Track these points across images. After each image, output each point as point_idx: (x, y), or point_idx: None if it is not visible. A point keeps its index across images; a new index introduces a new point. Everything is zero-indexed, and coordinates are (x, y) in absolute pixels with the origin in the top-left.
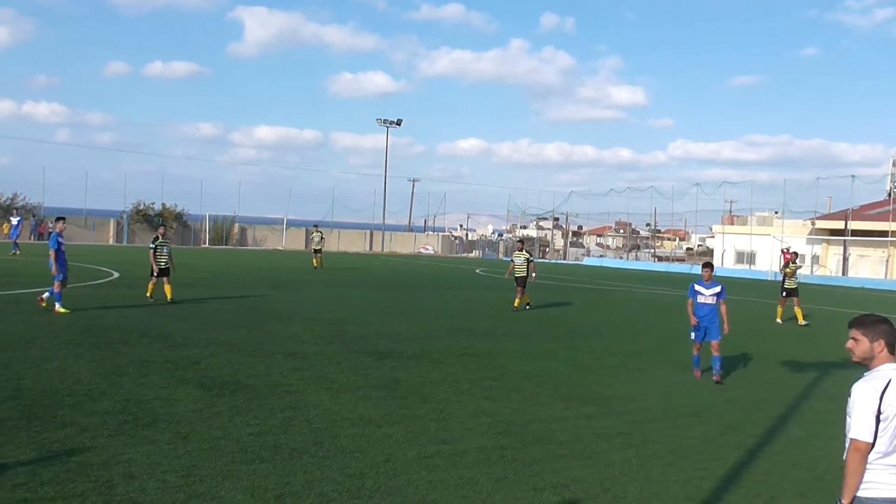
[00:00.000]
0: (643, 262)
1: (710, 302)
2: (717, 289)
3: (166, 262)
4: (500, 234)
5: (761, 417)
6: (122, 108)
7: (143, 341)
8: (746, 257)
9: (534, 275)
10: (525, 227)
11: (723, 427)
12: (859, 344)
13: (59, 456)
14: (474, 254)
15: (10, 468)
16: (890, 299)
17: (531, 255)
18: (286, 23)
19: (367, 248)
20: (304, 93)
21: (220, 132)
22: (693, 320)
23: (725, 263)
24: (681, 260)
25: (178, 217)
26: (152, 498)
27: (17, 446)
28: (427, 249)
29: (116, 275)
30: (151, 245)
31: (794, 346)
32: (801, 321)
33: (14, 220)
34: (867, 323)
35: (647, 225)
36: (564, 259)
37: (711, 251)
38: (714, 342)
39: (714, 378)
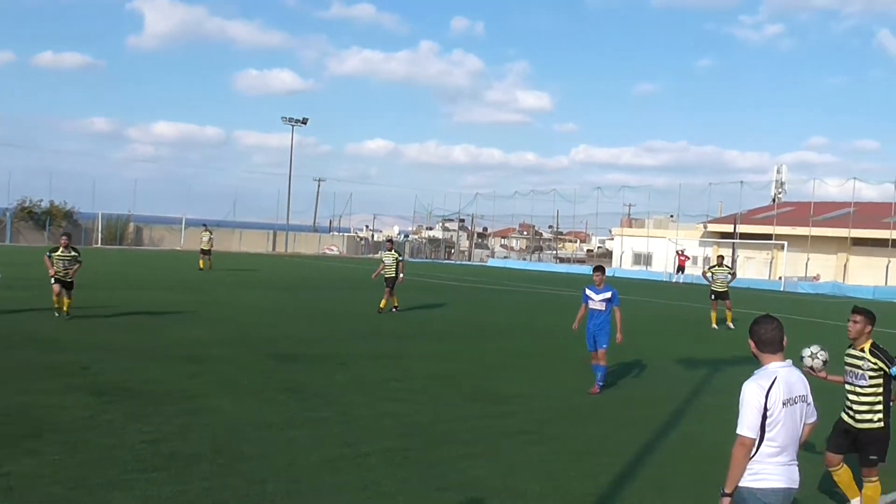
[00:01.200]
0: (545, 264)
1: (600, 308)
2: (608, 294)
3: (64, 275)
4: (407, 235)
5: (655, 413)
6: (6, 100)
7: (29, 346)
8: (643, 259)
9: (402, 275)
10: (431, 229)
11: (620, 424)
12: (751, 345)
13: None
14: (380, 255)
15: None
16: (773, 299)
17: (400, 256)
18: (189, 16)
19: (271, 249)
20: (208, 89)
21: (116, 127)
22: (575, 325)
23: (624, 265)
24: (581, 261)
25: (68, 215)
26: None
27: None
28: (332, 250)
29: None
30: (48, 254)
31: (687, 344)
32: (730, 323)
33: None
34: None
35: (550, 227)
36: (469, 260)
37: (611, 253)
38: (600, 350)
39: (591, 389)
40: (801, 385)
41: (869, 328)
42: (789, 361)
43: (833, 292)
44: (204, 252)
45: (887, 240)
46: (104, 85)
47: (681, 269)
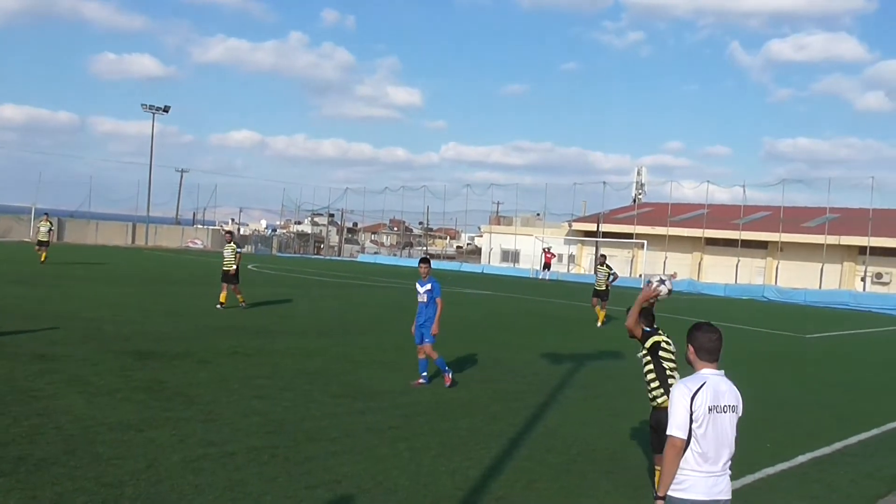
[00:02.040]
0: (416, 260)
1: (423, 300)
2: (429, 286)
3: None
4: (274, 230)
5: (522, 407)
6: None
7: None
8: (511, 256)
9: (234, 266)
10: (300, 223)
11: (488, 417)
12: (688, 350)
13: None
14: (246, 249)
15: None
16: (632, 295)
17: (239, 247)
18: None
19: (130, 242)
20: (60, 71)
21: None
22: (413, 327)
23: (492, 261)
24: (451, 258)
25: None
26: None
27: None
28: (196, 244)
29: None
30: None
31: (553, 339)
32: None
33: None
34: (689, 330)
35: (420, 223)
36: (339, 255)
37: (480, 250)
38: (427, 344)
39: (414, 382)
40: (731, 395)
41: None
42: (722, 371)
43: (689, 289)
44: (41, 243)
45: (737, 240)
46: None
47: (547, 266)
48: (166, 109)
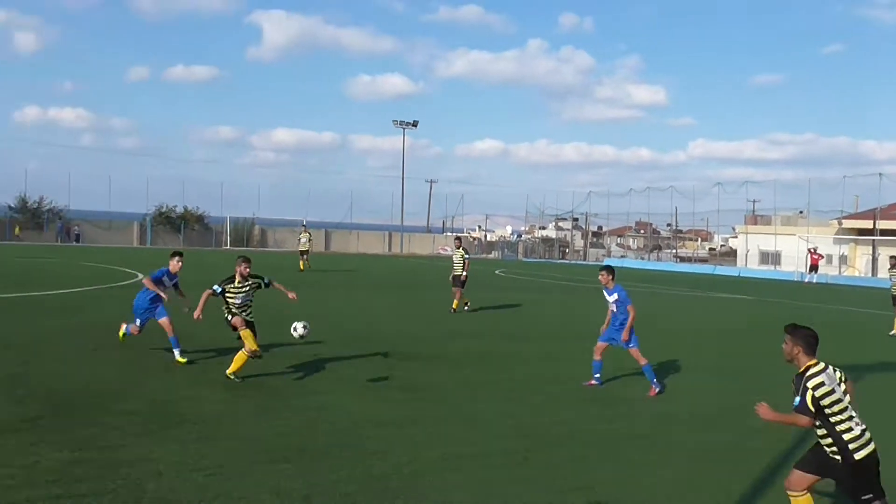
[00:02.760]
0: (665, 263)
1: (613, 310)
2: (615, 295)
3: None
4: (520, 235)
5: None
6: (143, 113)
7: (168, 343)
8: (771, 258)
9: (465, 273)
10: (544, 228)
11: (750, 431)
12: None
13: (89, 454)
14: (493, 255)
15: (43, 465)
16: None
17: (467, 253)
18: (304, 26)
19: (387, 250)
20: (323, 95)
21: (240, 135)
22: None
23: (749, 264)
24: (703, 260)
25: (199, 219)
26: (181, 496)
27: (50, 444)
28: (446, 251)
29: (140, 276)
30: (217, 288)
31: (831, 349)
32: None
33: None
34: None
35: (668, 225)
36: (584, 260)
37: (735, 251)
38: (631, 349)
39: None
40: None
41: (798, 349)
42: None
43: None
44: (302, 252)
45: None
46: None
47: (814, 268)
48: (415, 124)
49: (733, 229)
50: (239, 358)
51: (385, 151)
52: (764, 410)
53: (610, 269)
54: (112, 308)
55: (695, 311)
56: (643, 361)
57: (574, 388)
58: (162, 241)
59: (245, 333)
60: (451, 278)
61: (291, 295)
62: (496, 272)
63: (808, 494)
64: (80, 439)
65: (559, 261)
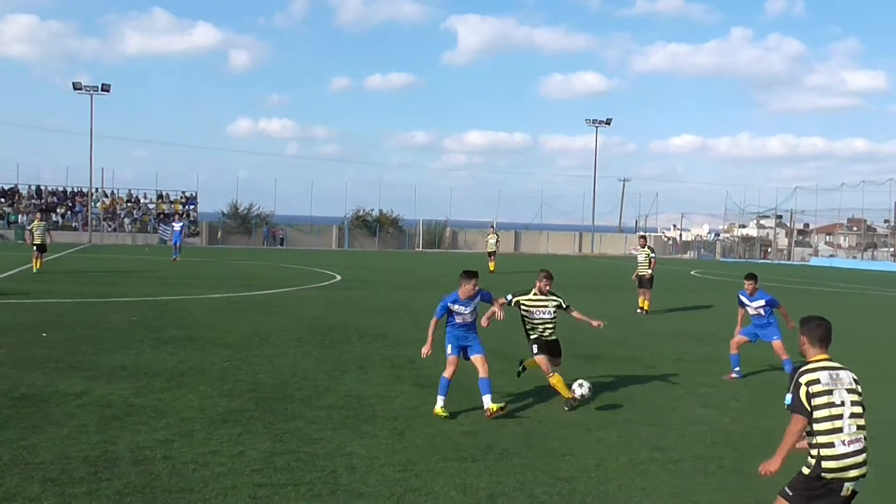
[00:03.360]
0: (881, 263)
1: (758, 314)
2: (762, 301)
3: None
4: (717, 234)
5: None
6: (344, 121)
7: (363, 340)
8: None
9: (650, 272)
10: (744, 226)
11: None
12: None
13: (289, 445)
14: (689, 255)
15: (248, 455)
16: None
17: (653, 252)
18: (498, 28)
19: (577, 251)
20: (514, 96)
21: (433, 139)
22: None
23: None
24: None
25: (394, 222)
26: (372, 489)
27: (254, 435)
28: (637, 251)
29: (338, 277)
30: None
31: None
32: None
33: (177, 226)
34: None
35: (886, 221)
36: (789, 259)
37: None
38: (774, 341)
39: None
40: None
41: (804, 339)
42: None
43: None
44: (490, 254)
45: None
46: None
47: None
48: (608, 122)
49: None
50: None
51: (577, 151)
52: (765, 466)
53: (754, 277)
54: (309, 307)
55: None
56: (785, 356)
57: (777, 395)
58: (359, 243)
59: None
60: (635, 278)
61: (596, 323)
62: (691, 273)
63: None
64: (282, 431)
65: (760, 261)
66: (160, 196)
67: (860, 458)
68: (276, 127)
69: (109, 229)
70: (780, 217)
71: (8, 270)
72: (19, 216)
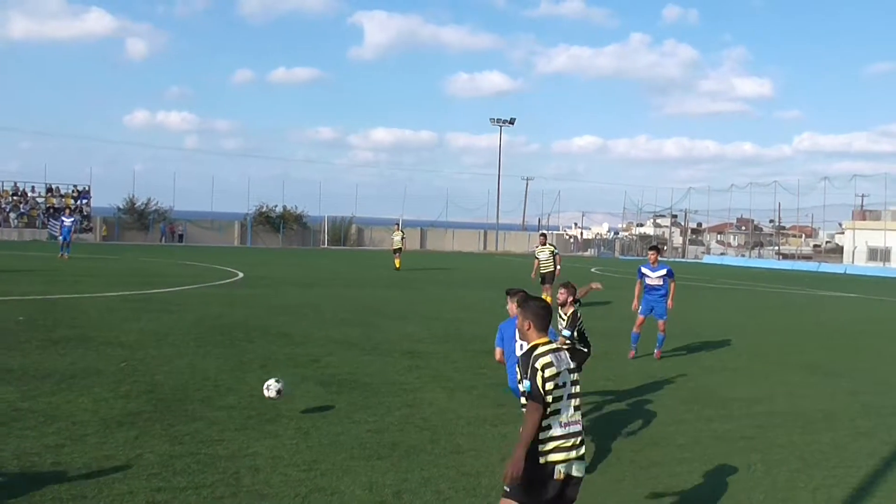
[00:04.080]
0: (767, 260)
1: (657, 283)
2: (663, 271)
3: None
4: (617, 233)
5: None
6: (247, 115)
7: (266, 339)
8: (880, 254)
9: (558, 268)
10: (642, 225)
11: (855, 433)
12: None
13: (189, 448)
14: (589, 252)
15: (146, 458)
16: None
17: (556, 249)
18: (404, 25)
19: (482, 248)
20: (421, 94)
21: (339, 135)
22: (634, 304)
23: (857, 261)
24: (808, 258)
25: (298, 218)
26: (276, 490)
27: (152, 438)
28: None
29: (241, 275)
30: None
31: None
32: None
33: (67, 221)
34: None
35: (771, 221)
36: (683, 257)
37: (841, 248)
38: (660, 321)
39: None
40: None
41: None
42: None
43: None
44: (396, 251)
45: None
46: (329, 96)
47: None
48: (512, 122)
49: (840, 225)
50: None
51: (482, 149)
52: (511, 470)
53: (656, 248)
54: (210, 306)
55: (798, 308)
56: (662, 333)
57: (674, 389)
58: (262, 240)
59: None
60: (535, 276)
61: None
62: (592, 270)
63: None
64: (181, 433)
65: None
66: (49, 189)
67: (577, 441)
68: (176, 119)
69: None
70: (675, 216)
71: None
72: None
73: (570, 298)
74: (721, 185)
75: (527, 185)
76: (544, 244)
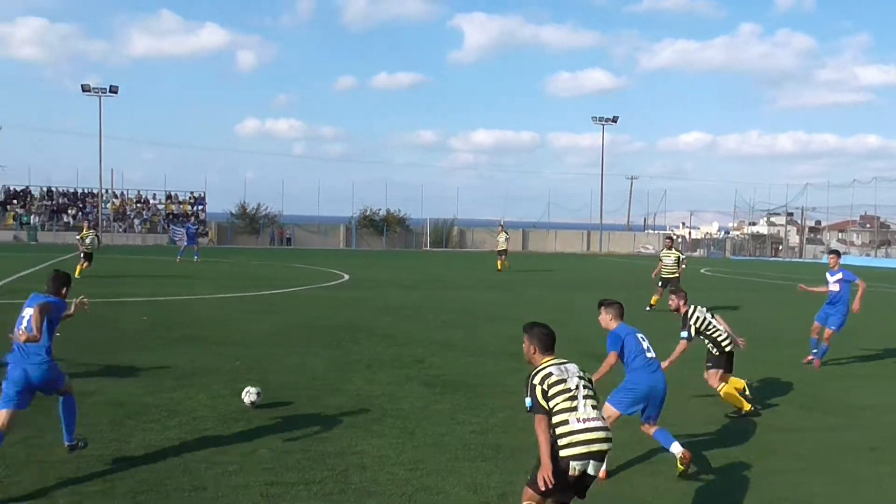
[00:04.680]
0: (894, 260)
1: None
2: (840, 275)
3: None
4: (727, 232)
5: None
6: (350, 120)
7: (371, 340)
8: None
9: (681, 271)
10: (754, 224)
11: None
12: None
13: (300, 444)
14: (698, 253)
15: (259, 453)
16: None
17: (683, 255)
18: (504, 26)
19: (585, 249)
20: (522, 95)
21: (440, 138)
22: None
23: None
24: None
25: (401, 221)
26: (383, 488)
27: (265, 433)
28: (647, 249)
29: (346, 277)
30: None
31: None
32: None
33: (192, 228)
34: None
35: None
36: (800, 257)
37: None
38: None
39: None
40: None
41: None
42: None
43: None
44: (500, 252)
45: None
46: (429, 99)
47: None
48: (615, 120)
49: None
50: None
51: (584, 148)
52: (541, 473)
53: (836, 252)
54: (317, 307)
55: None
56: (827, 344)
57: (793, 396)
58: (366, 243)
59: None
60: (655, 276)
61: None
62: (701, 271)
63: None
64: (292, 430)
65: (771, 258)
66: (169, 197)
67: (595, 436)
68: (284, 127)
69: (120, 230)
70: (790, 214)
71: (23, 270)
72: (31, 217)
73: (682, 303)
74: (842, 180)
75: (631, 183)
76: (671, 248)
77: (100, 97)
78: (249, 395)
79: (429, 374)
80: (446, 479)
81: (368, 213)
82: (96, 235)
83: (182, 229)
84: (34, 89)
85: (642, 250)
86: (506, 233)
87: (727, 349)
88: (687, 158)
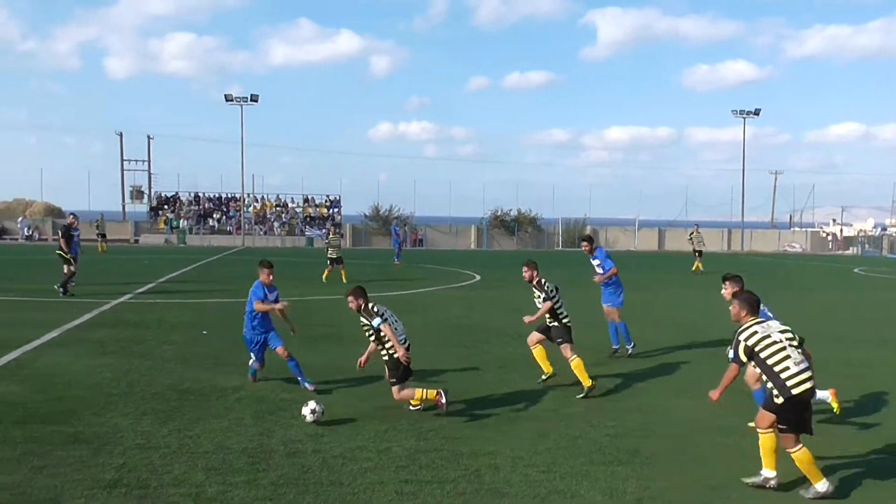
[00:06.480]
0: None
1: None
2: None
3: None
4: (884, 228)
5: None
6: (481, 121)
7: (502, 340)
8: None
9: None
10: None
11: None
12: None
13: (433, 443)
14: (851, 251)
15: (394, 451)
16: None
17: None
18: (639, 20)
19: (725, 248)
20: (657, 89)
21: (572, 136)
22: None
23: None
24: None
25: (533, 221)
26: (516, 490)
27: (399, 432)
28: (793, 247)
29: (478, 277)
30: None
31: None
32: None
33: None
34: None
35: None
36: None
37: None
38: None
39: None
40: None
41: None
42: None
43: None
44: (698, 253)
45: None
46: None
47: None
48: (756, 112)
49: None
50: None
51: (724, 143)
52: (711, 394)
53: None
54: (450, 307)
55: None
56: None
57: None
58: (497, 243)
59: None
60: None
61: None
62: (855, 270)
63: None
64: (425, 429)
65: None
66: (306, 200)
67: (810, 374)
68: (416, 129)
69: (260, 233)
70: None
71: (173, 271)
72: (181, 221)
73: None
74: None
75: (775, 179)
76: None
77: (241, 106)
78: (313, 412)
79: (561, 376)
80: (580, 483)
81: (499, 213)
82: (340, 235)
83: (321, 233)
84: (182, 100)
85: (788, 249)
86: (700, 233)
87: None
88: (837, 151)
